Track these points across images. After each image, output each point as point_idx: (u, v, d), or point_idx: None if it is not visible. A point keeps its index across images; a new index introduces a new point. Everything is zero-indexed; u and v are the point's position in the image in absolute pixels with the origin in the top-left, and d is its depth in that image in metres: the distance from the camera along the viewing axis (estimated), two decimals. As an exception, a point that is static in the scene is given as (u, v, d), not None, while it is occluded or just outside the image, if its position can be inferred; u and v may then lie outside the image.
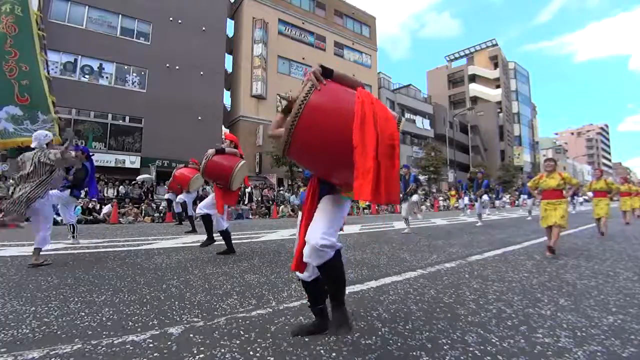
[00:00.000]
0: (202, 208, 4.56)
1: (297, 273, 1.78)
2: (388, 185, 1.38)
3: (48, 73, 5.21)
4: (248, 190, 15.35)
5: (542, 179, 4.91)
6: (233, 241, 4.64)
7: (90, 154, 5.52)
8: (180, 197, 7.75)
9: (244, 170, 4.35)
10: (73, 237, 5.30)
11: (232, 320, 2.08)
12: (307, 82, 1.49)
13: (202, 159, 4.23)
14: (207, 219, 4.58)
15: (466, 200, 14.86)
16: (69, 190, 5.07)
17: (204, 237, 4.73)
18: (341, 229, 1.91)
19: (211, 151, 4.22)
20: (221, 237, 4.56)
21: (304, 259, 1.61)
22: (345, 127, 1.39)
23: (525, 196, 14.97)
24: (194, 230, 7.18)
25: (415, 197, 7.84)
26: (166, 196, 9.08)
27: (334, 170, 1.62)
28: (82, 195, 5.47)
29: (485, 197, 9.79)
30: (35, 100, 4.92)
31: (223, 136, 4.65)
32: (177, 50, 18.68)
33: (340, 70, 1.61)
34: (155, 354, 1.62)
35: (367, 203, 19.21)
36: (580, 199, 17.01)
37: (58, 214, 6.56)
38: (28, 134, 4.89)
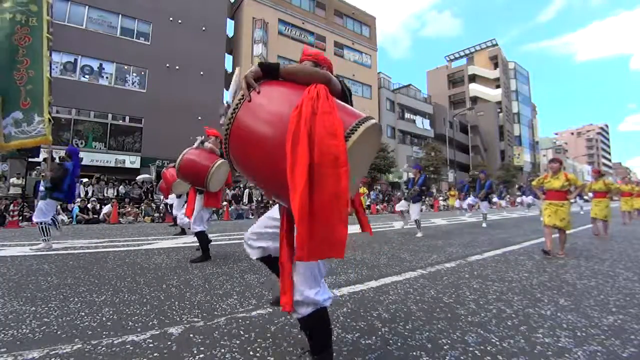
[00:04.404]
0: (195, 225, 4.13)
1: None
2: (323, 232, 0.99)
3: (50, 74, 5.25)
4: (247, 190, 15.34)
5: (547, 179, 4.87)
6: (234, 241, 4.61)
7: (77, 153, 5.47)
8: (174, 212, 7.39)
9: (223, 169, 3.85)
10: (57, 228, 5.44)
11: (232, 320, 2.08)
12: (239, 92, 1.20)
13: (178, 158, 3.81)
14: (200, 235, 4.14)
15: (469, 200, 14.85)
16: (49, 193, 5.05)
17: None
18: None
19: (188, 149, 3.87)
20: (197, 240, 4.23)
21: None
22: (279, 148, 1.05)
23: (524, 197, 15.02)
24: (182, 232, 7.08)
25: (414, 207, 7.11)
26: (169, 201, 8.44)
27: (279, 199, 1.31)
28: (62, 197, 5.32)
29: (485, 203, 9.66)
30: (33, 103, 4.96)
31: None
32: (177, 50, 18.67)
33: (294, 65, 1.27)
34: (155, 354, 1.62)
35: (367, 203, 19.22)
36: (580, 201, 16.98)
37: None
38: (24, 135, 4.92)
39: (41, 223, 4.93)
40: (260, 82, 1.20)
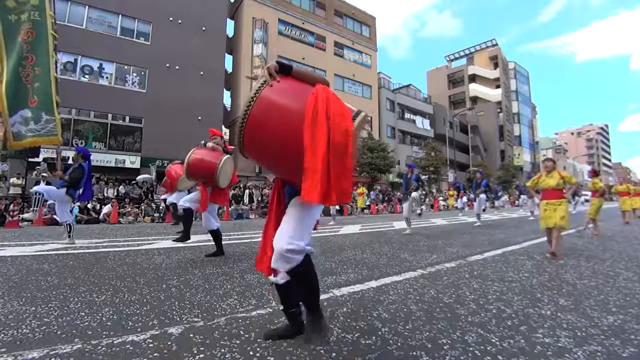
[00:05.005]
0: (185, 202, 4.33)
1: (270, 277, 1.70)
2: (338, 185, 1.29)
3: (57, 73, 5.27)
4: (247, 191, 15.34)
5: (541, 178, 4.86)
6: (234, 241, 4.61)
7: (89, 154, 5.52)
8: (170, 200, 7.52)
9: (229, 165, 4.08)
10: (69, 236, 5.31)
11: (232, 320, 2.08)
12: (260, 78, 1.43)
13: (185, 158, 3.99)
14: (187, 213, 4.36)
15: (464, 199, 14.85)
16: (65, 189, 5.09)
17: (203, 237, 4.67)
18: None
19: (193, 149, 4.04)
20: (211, 238, 4.41)
21: (272, 265, 1.53)
22: (295, 126, 1.31)
23: (525, 197, 14.98)
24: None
25: (414, 194, 7.83)
26: (167, 199, 8.35)
27: (288, 171, 1.53)
28: (76, 196, 5.37)
29: (482, 196, 9.75)
30: (41, 101, 4.98)
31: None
32: (177, 50, 18.68)
33: (301, 68, 1.54)
34: (155, 354, 1.62)
35: (367, 203, 19.22)
36: (582, 199, 16.98)
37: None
38: (32, 134, 4.94)
39: (37, 193, 5.00)
40: (279, 75, 1.45)
